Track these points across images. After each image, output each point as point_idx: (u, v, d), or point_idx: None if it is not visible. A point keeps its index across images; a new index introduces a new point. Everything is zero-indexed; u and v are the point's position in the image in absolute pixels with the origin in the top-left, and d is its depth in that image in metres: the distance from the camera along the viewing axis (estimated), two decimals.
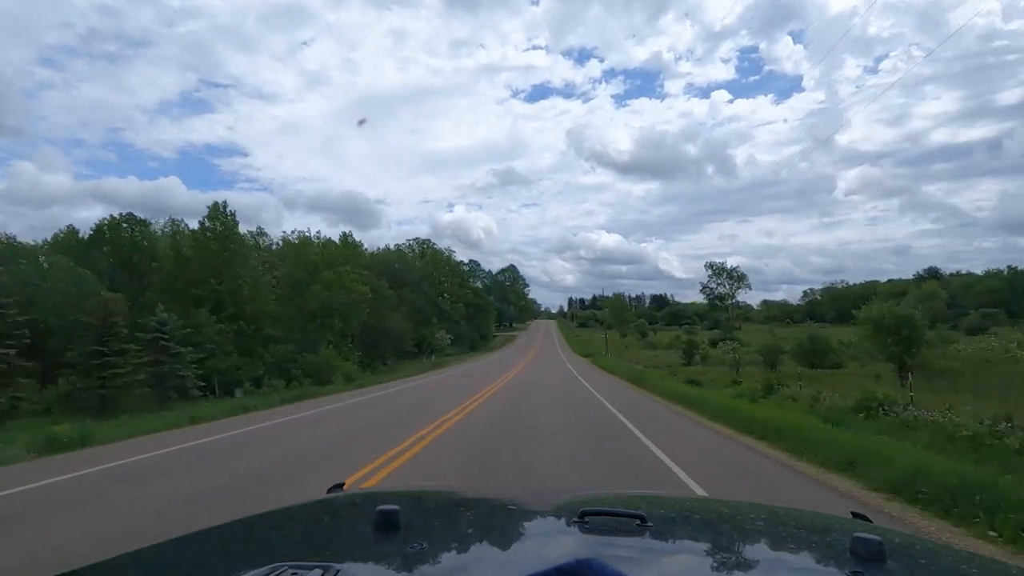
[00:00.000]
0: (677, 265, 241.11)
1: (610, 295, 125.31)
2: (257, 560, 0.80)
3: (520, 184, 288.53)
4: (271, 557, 0.81)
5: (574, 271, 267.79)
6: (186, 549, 1.06)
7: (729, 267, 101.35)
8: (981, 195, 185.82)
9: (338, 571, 0.78)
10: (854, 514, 1.40)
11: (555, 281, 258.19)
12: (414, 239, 77.89)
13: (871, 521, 1.32)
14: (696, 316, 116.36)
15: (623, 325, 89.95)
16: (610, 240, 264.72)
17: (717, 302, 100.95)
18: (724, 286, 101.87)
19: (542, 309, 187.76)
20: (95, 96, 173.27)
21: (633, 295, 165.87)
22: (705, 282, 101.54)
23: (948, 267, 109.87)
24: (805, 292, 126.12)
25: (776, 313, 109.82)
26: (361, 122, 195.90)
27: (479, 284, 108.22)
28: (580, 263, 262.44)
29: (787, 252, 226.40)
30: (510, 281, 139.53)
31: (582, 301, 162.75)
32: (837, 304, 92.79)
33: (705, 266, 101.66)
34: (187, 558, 1.03)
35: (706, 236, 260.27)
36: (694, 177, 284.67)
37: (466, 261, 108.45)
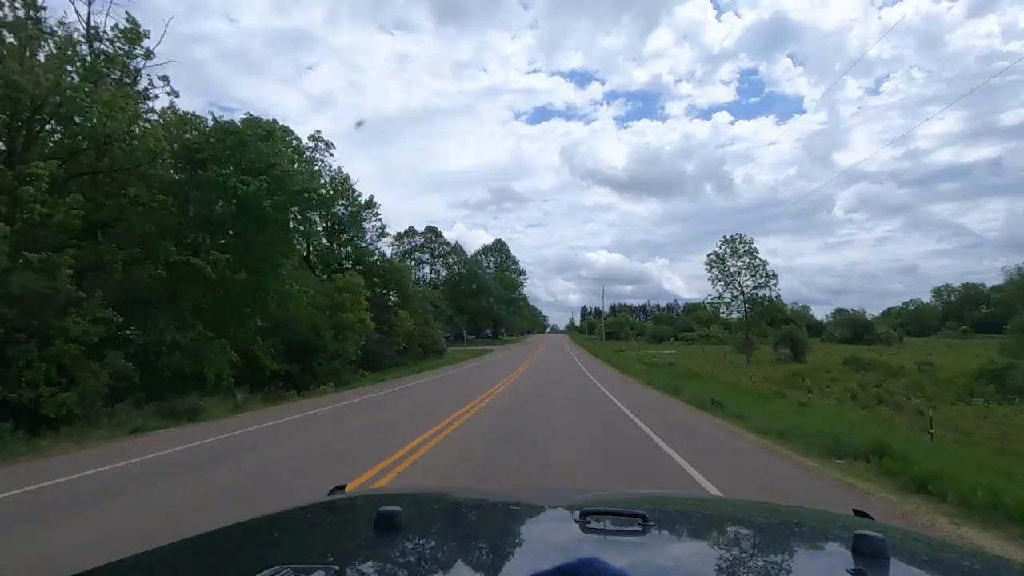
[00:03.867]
0: (681, 284, 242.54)
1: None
2: (259, 562, 0.80)
3: (524, 204, 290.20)
4: (273, 559, 0.81)
5: (577, 290, 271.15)
6: (188, 552, 1.05)
7: None
8: (989, 215, 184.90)
9: (339, 573, 0.78)
10: (856, 512, 1.39)
11: (559, 301, 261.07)
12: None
13: (873, 519, 1.31)
14: (792, 321, 54.99)
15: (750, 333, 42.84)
16: (613, 259, 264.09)
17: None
18: None
19: (549, 323, 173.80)
20: None
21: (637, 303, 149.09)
22: None
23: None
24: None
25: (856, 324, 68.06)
26: (359, 124, 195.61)
27: (442, 271, 63.19)
28: (583, 282, 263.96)
29: (794, 272, 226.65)
30: (495, 265, 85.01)
31: (597, 311, 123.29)
32: (978, 312, 53.24)
33: None
34: (189, 561, 1.02)
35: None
36: (697, 197, 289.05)
37: (421, 229, 62.92)
